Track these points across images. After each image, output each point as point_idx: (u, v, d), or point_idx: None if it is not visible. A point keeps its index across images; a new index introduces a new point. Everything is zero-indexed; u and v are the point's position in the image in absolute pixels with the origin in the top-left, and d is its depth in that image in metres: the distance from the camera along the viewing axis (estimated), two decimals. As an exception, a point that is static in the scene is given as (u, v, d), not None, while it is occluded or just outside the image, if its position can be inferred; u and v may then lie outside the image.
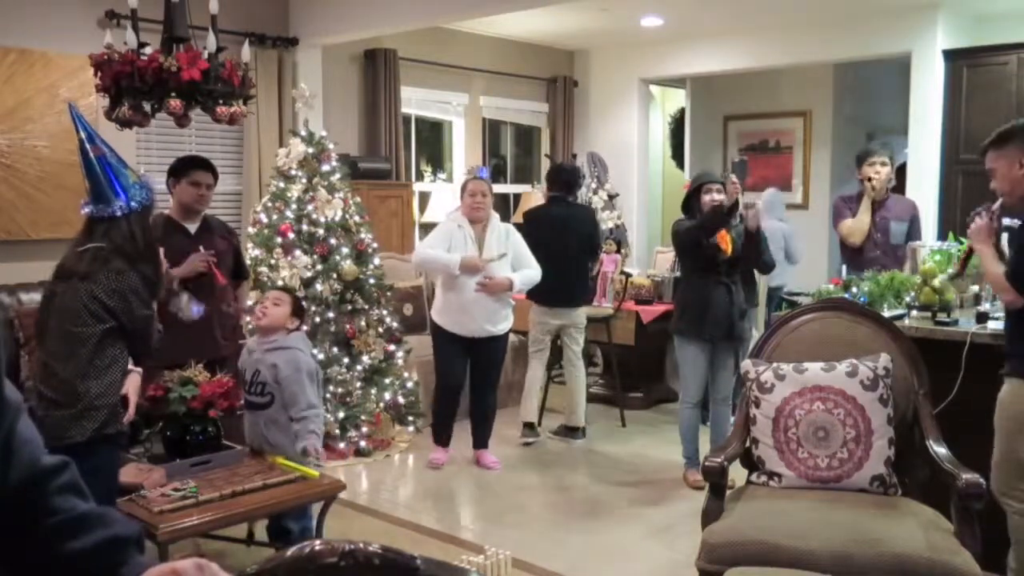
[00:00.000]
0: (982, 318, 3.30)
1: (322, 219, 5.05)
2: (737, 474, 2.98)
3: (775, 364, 2.98)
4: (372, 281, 5.20)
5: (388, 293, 5.29)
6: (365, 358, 5.14)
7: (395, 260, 6.01)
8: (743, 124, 8.72)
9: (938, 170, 6.42)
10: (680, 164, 8.83)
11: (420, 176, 7.52)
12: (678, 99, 9.11)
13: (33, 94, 4.93)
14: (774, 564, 2.54)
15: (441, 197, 7.37)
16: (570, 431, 5.46)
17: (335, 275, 5.05)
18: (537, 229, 5.23)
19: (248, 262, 5.13)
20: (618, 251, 6.11)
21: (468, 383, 4.95)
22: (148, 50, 3.43)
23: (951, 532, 2.53)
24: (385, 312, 5.22)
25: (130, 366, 2.95)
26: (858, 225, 4.69)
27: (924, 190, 6.42)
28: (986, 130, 3.15)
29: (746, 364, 3.07)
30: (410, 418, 5.37)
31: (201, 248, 3.88)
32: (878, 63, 7.51)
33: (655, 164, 8.88)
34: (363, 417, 5.08)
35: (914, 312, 3.59)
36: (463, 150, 7.68)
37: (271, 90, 5.97)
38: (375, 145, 6.68)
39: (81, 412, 2.69)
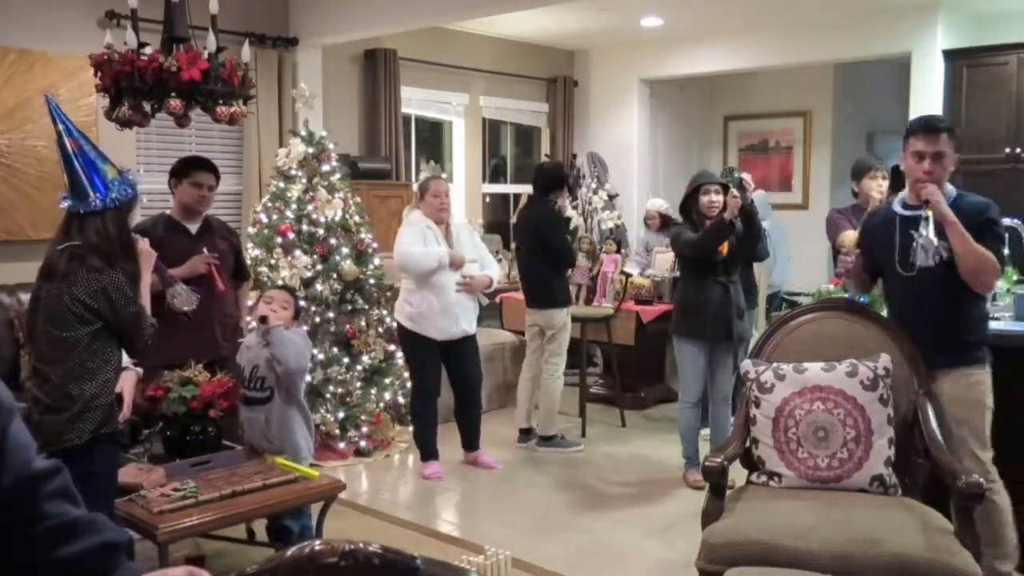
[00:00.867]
0: (982, 318, 3.29)
1: (322, 219, 5.05)
2: (737, 474, 2.97)
3: (775, 364, 2.99)
4: (372, 281, 5.20)
5: (388, 293, 5.29)
6: (365, 358, 5.14)
7: (395, 260, 6.01)
8: (743, 124, 8.73)
9: (938, 170, 6.41)
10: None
11: (420, 176, 7.52)
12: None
13: (33, 94, 4.93)
14: (774, 564, 2.54)
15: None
16: (544, 439, 5.24)
17: (335, 275, 5.05)
18: (513, 230, 5.21)
19: (248, 262, 5.14)
20: (618, 251, 6.10)
21: (450, 388, 4.88)
22: (148, 50, 3.43)
23: (951, 532, 2.53)
24: (385, 312, 5.22)
25: (129, 364, 2.94)
26: (852, 238, 4.68)
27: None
28: (986, 130, 3.15)
29: (746, 364, 3.07)
30: (410, 418, 5.36)
31: (205, 249, 3.88)
32: (878, 63, 7.51)
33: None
34: (363, 417, 5.08)
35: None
36: (463, 150, 7.68)
37: (271, 90, 5.97)
38: (375, 145, 6.68)
39: (77, 415, 2.68)
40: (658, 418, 5.96)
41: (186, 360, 3.38)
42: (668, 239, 5.13)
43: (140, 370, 3.09)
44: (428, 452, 4.82)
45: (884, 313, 3.15)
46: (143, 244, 2.99)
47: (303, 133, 5.15)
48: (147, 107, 3.52)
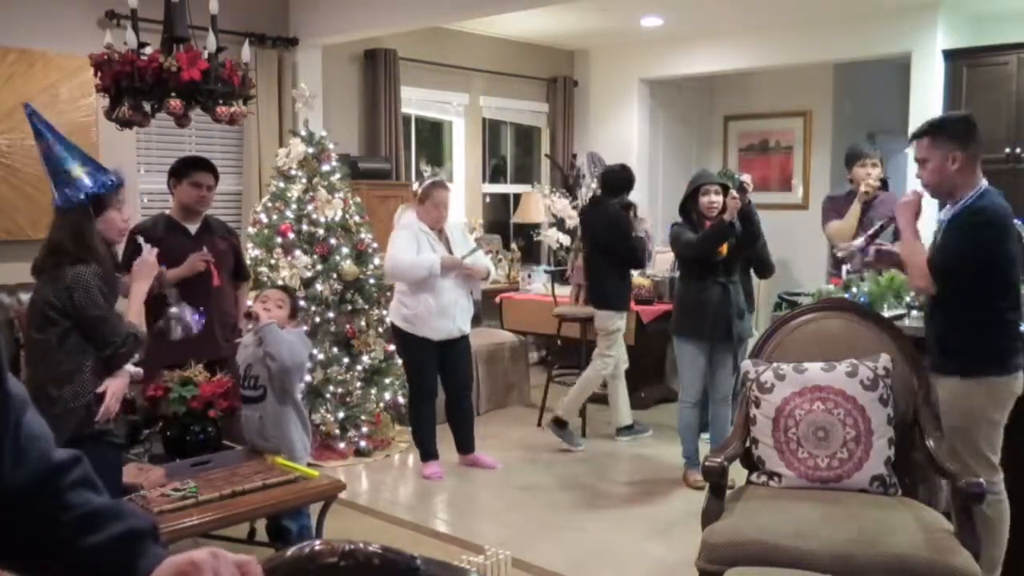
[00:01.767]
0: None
1: (322, 219, 5.05)
2: (737, 474, 2.97)
3: (775, 364, 2.99)
4: (372, 281, 5.20)
5: (388, 293, 5.29)
6: (365, 358, 5.13)
7: (395, 260, 6.01)
8: (743, 124, 8.73)
9: (938, 170, 6.41)
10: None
11: (420, 176, 7.50)
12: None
13: (33, 94, 4.91)
14: (774, 564, 2.54)
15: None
16: (556, 424, 5.24)
17: (335, 275, 5.05)
18: (580, 230, 5.37)
19: (248, 262, 5.14)
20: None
21: (442, 388, 4.86)
22: (148, 50, 3.43)
23: (951, 532, 2.53)
24: (385, 312, 5.22)
25: (128, 366, 2.93)
26: (846, 226, 4.65)
27: (924, 190, 6.42)
28: (986, 130, 3.14)
29: (746, 364, 3.07)
30: (409, 419, 5.36)
31: (205, 248, 3.88)
32: (878, 63, 7.51)
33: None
34: (363, 417, 5.08)
35: (914, 312, 3.59)
36: (463, 150, 7.68)
37: (271, 90, 5.96)
38: (375, 145, 6.68)
39: (59, 415, 2.67)
40: (658, 418, 5.95)
41: (186, 360, 3.37)
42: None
43: (139, 370, 3.08)
44: (428, 452, 4.82)
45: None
46: (147, 254, 2.99)
47: (303, 133, 5.15)
48: (147, 107, 3.52)
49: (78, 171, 2.79)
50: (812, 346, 3.07)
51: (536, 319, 6.46)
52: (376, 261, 5.23)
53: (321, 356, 4.94)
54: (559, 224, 6.77)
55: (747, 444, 2.97)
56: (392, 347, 5.17)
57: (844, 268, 4.32)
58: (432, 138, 7.80)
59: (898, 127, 7.27)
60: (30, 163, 4.97)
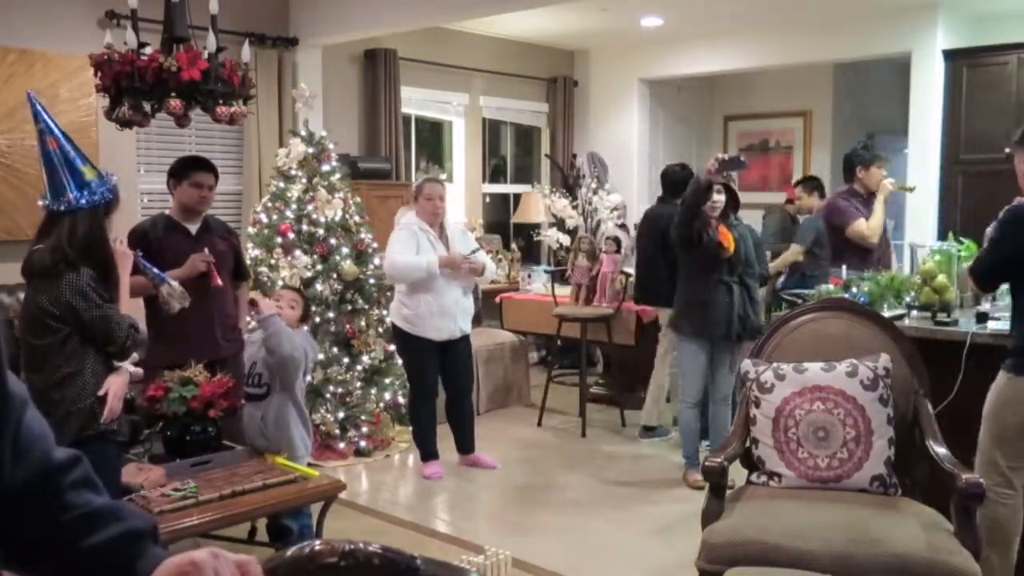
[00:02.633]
0: (982, 318, 3.30)
1: (322, 219, 5.05)
2: (737, 474, 2.97)
3: (775, 364, 2.98)
4: (372, 281, 5.20)
5: (388, 293, 5.29)
6: (365, 358, 5.14)
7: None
8: (743, 124, 8.73)
9: (938, 170, 6.42)
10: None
11: (423, 169, 7.50)
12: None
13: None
14: (774, 564, 2.54)
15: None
16: (646, 430, 5.41)
17: (335, 275, 5.05)
18: (638, 228, 5.45)
19: (248, 262, 5.14)
20: (618, 251, 6.10)
21: (442, 388, 4.86)
22: (148, 50, 3.43)
23: (951, 532, 2.53)
24: (385, 312, 5.22)
25: (127, 364, 2.93)
26: (875, 225, 4.79)
27: (924, 190, 6.42)
28: (986, 130, 3.15)
29: (746, 364, 3.07)
30: (409, 419, 5.36)
31: (206, 249, 3.87)
32: (878, 63, 7.51)
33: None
34: (363, 417, 5.08)
35: (914, 312, 3.59)
36: (463, 150, 7.68)
37: (271, 90, 5.96)
38: (375, 145, 6.68)
39: (62, 419, 2.67)
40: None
41: (187, 360, 3.37)
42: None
43: (139, 370, 3.08)
44: (428, 452, 4.82)
45: None
46: (119, 245, 2.98)
47: (303, 133, 5.15)
48: (147, 107, 3.52)
49: (88, 173, 2.77)
50: (812, 346, 3.06)
51: (536, 319, 6.46)
52: (376, 261, 5.23)
53: (321, 356, 4.94)
54: (559, 224, 6.77)
55: (747, 444, 2.97)
56: (392, 347, 5.17)
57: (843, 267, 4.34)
58: (432, 138, 7.80)
59: (898, 127, 7.27)
60: (30, 163, 4.97)
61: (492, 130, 8.05)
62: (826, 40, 6.94)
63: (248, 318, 4.06)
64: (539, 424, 5.73)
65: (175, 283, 3.40)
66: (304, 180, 5.09)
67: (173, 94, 3.41)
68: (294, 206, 5.06)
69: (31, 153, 4.97)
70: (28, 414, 1.06)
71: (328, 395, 5.01)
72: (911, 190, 5.61)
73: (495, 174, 8.21)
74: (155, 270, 3.35)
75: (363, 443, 5.07)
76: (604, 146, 8.15)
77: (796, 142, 8.37)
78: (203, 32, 3.62)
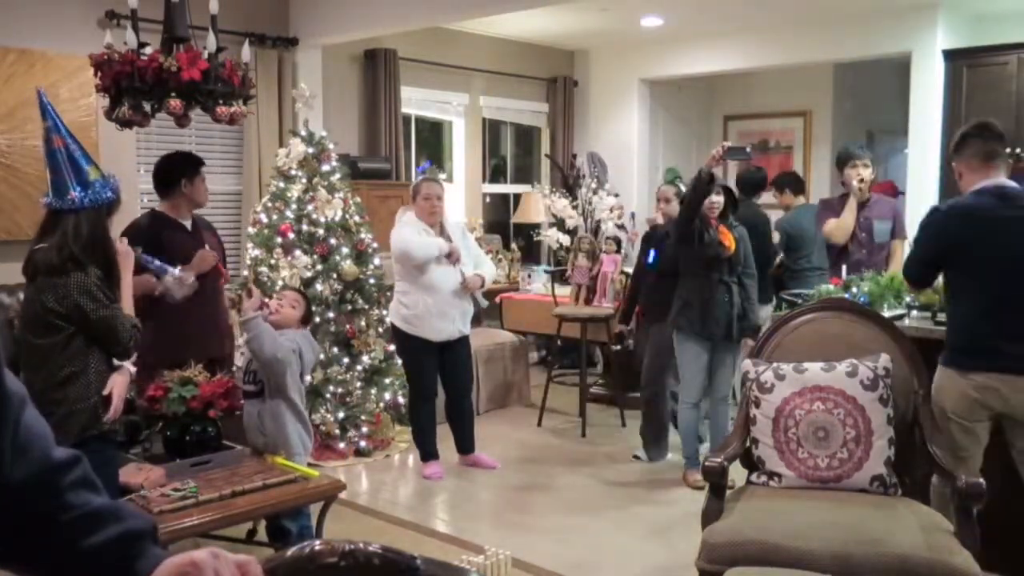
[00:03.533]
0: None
1: (322, 219, 5.05)
2: (737, 474, 2.97)
3: (775, 364, 2.98)
4: (372, 281, 5.20)
5: (388, 293, 5.29)
6: (365, 358, 5.13)
7: (395, 260, 6.01)
8: (743, 124, 8.73)
9: (938, 170, 6.41)
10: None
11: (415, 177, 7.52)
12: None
13: (33, 94, 4.92)
14: (774, 564, 2.54)
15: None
16: None
17: (335, 275, 5.05)
18: None
19: (248, 262, 5.15)
20: (618, 251, 6.10)
21: (442, 388, 4.86)
22: (148, 50, 3.43)
23: (951, 532, 2.53)
24: (385, 312, 5.22)
25: (128, 364, 2.93)
26: (842, 224, 4.69)
27: (924, 190, 6.42)
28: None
29: (746, 364, 3.07)
30: (409, 419, 5.36)
31: (207, 245, 3.87)
32: (878, 63, 7.51)
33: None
34: (363, 417, 5.08)
35: (914, 312, 3.59)
36: (463, 150, 7.68)
37: (271, 90, 5.96)
38: (375, 145, 6.68)
39: (63, 418, 2.67)
40: (658, 418, 5.94)
41: (192, 358, 3.37)
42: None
43: (133, 369, 3.07)
44: (428, 452, 4.82)
45: None
46: (121, 244, 2.98)
47: (303, 133, 5.15)
48: (147, 107, 3.52)
49: (94, 173, 2.77)
50: (812, 346, 3.06)
51: (536, 319, 6.46)
52: (376, 261, 5.23)
53: (321, 356, 4.94)
54: (559, 224, 6.77)
55: (747, 444, 2.97)
56: (392, 347, 5.17)
57: (843, 267, 4.33)
58: (432, 138, 7.80)
59: (898, 127, 7.27)
60: (30, 163, 4.97)
61: (492, 130, 8.05)
62: (826, 40, 6.94)
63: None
64: (539, 424, 5.73)
65: (178, 270, 3.40)
66: (304, 180, 5.09)
67: (173, 94, 3.41)
68: (294, 206, 5.06)
69: (31, 153, 4.98)
70: (27, 413, 1.06)
71: (328, 395, 5.00)
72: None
73: (495, 174, 8.21)
74: (157, 262, 3.35)
75: (363, 443, 5.07)
76: (604, 146, 8.14)
77: (796, 142, 8.37)
78: (203, 32, 3.62)
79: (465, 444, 4.94)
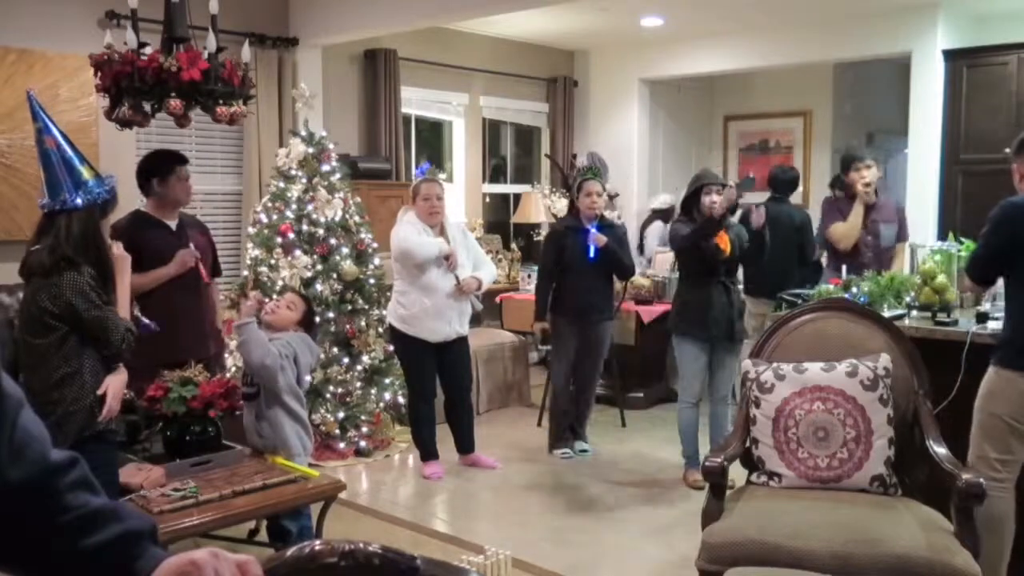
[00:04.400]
0: (982, 318, 3.30)
1: (322, 219, 5.05)
2: (737, 474, 2.97)
3: (775, 364, 2.98)
4: (372, 281, 5.20)
5: (388, 293, 5.29)
6: (365, 358, 5.14)
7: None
8: (743, 124, 8.73)
9: (938, 170, 6.42)
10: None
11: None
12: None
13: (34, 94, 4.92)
14: (774, 564, 2.54)
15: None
16: None
17: (335, 275, 5.05)
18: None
19: (248, 262, 5.14)
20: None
21: (441, 389, 4.86)
22: (148, 50, 3.43)
23: (951, 532, 2.53)
24: (385, 312, 5.22)
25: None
26: (851, 230, 4.66)
27: (924, 190, 6.43)
28: (986, 130, 3.15)
29: (746, 364, 3.07)
30: (408, 419, 5.35)
31: (191, 245, 3.82)
32: (878, 63, 7.51)
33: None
34: (363, 417, 5.08)
35: (914, 312, 3.59)
36: (463, 150, 7.68)
37: (271, 90, 5.96)
38: (375, 145, 6.68)
39: (61, 419, 2.67)
40: (658, 418, 5.95)
41: (179, 359, 3.36)
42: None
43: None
44: (428, 452, 4.82)
45: None
46: (118, 249, 2.97)
47: (303, 133, 5.15)
48: (147, 107, 3.51)
49: (85, 173, 2.76)
50: (812, 346, 3.06)
51: (536, 319, 6.45)
52: (376, 261, 5.23)
53: (321, 356, 4.94)
54: (559, 224, 6.76)
55: (747, 444, 2.97)
56: (392, 347, 5.16)
57: (843, 267, 4.32)
58: (432, 138, 7.80)
59: (898, 127, 7.28)
60: (30, 163, 4.95)
61: (492, 130, 8.05)
62: (826, 40, 6.94)
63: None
64: (539, 424, 5.72)
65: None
66: (304, 180, 5.09)
67: (173, 94, 3.40)
68: (294, 206, 5.06)
69: (31, 153, 4.94)
70: (24, 415, 1.06)
71: (328, 395, 5.00)
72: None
73: (495, 174, 8.21)
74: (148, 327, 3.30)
75: (363, 443, 5.07)
76: (604, 146, 8.14)
77: (796, 142, 8.37)
78: (203, 32, 3.62)
79: (465, 444, 4.94)
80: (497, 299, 6.85)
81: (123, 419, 3.06)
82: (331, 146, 5.22)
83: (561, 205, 6.87)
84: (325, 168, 5.13)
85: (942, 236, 5.26)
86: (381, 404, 5.20)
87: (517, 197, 8.09)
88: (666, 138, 8.52)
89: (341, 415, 5.02)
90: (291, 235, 5.01)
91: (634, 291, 6.15)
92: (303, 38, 6.12)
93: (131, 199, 4.13)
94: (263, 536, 3.57)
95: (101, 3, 5.19)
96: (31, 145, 4.92)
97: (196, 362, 3.39)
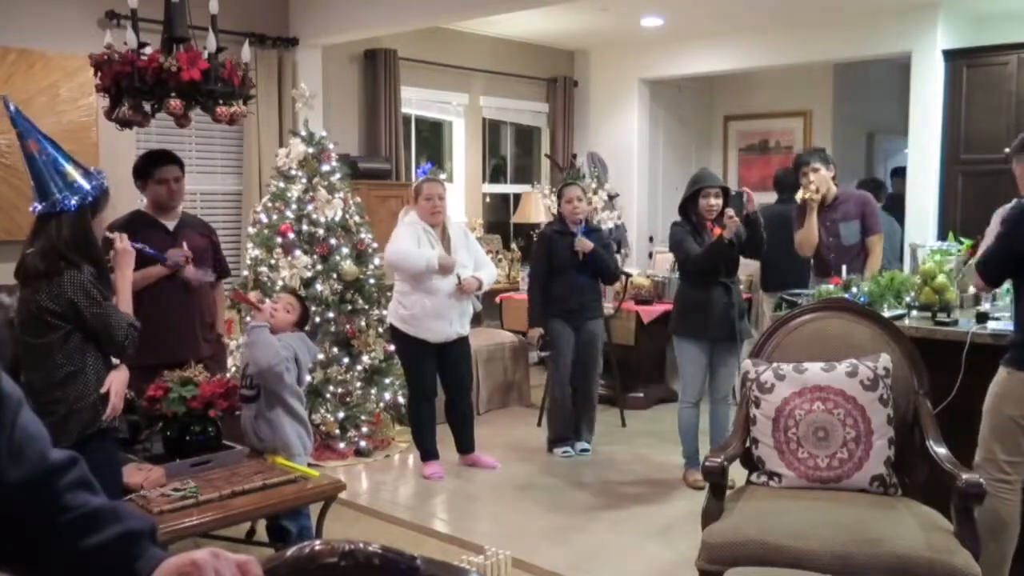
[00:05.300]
0: (982, 318, 3.29)
1: (322, 219, 5.05)
2: (737, 474, 2.97)
3: (775, 364, 2.98)
4: (372, 281, 5.20)
5: (388, 293, 5.29)
6: (365, 358, 5.14)
7: (395, 260, 6.00)
8: (743, 124, 8.73)
9: (938, 170, 6.42)
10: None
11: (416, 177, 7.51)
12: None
13: (33, 94, 4.93)
14: (774, 564, 2.54)
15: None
16: None
17: (335, 275, 5.05)
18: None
19: (248, 262, 5.14)
20: (618, 251, 6.11)
21: (442, 389, 4.86)
22: (148, 50, 3.43)
23: (951, 532, 2.53)
24: (385, 312, 5.22)
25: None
26: (806, 236, 4.57)
27: (924, 190, 6.43)
28: (986, 130, 3.14)
29: (746, 364, 3.07)
30: (408, 419, 5.35)
31: (184, 244, 3.79)
32: (878, 63, 7.51)
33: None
34: (363, 417, 5.08)
35: (914, 312, 3.59)
36: (463, 150, 7.68)
37: (271, 90, 5.96)
38: (375, 145, 6.68)
39: (64, 418, 2.67)
40: (658, 418, 5.95)
41: (166, 360, 3.35)
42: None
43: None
44: (428, 452, 4.82)
45: None
46: (120, 242, 2.97)
47: (303, 133, 5.15)
48: (147, 107, 3.52)
49: (73, 173, 2.74)
50: (812, 346, 3.06)
51: (536, 319, 6.45)
52: (376, 261, 5.23)
53: (321, 356, 4.94)
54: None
55: (747, 444, 2.97)
56: (392, 347, 5.16)
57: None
58: (432, 138, 7.80)
59: (898, 127, 7.28)
60: (30, 163, 4.97)
61: (492, 130, 8.05)
62: (826, 40, 6.94)
63: (248, 319, 4.03)
64: (539, 424, 5.72)
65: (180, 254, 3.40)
66: (304, 180, 5.09)
67: (173, 94, 3.40)
68: (294, 206, 5.06)
69: (31, 153, 4.98)
70: (23, 415, 1.06)
71: (328, 395, 5.00)
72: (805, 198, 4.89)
73: (495, 174, 8.21)
74: (165, 256, 3.35)
75: (363, 443, 5.07)
76: (604, 146, 8.15)
77: (796, 142, 8.37)
78: (203, 32, 3.62)
79: (465, 444, 4.94)
80: (497, 299, 6.85)
81: (124, 418, 3.06)
82: (331, 146, 5.22)
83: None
84: (325, 168, 5.13)
85: (942, 236, 5.26)
86: (381, 404, 5.20)
87: (517, 197, 8.09)
88: (666, 138, 8.52)
89: (341, 415, 5.02)
90: (291, 235, 5.01)
91: (634, 291, 6.15)
92: (303, 38, 6.12)
93: (131, 199, 4.13)
94: (263, 536, 3.57)
95: (101, 3, 5.19)
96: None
97: (195, 362, 3.39)
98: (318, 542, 0.98)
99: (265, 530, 3.52)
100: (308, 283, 4.97)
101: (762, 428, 2.90)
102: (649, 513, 4.23)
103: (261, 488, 3.00)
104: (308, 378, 4.59)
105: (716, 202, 4.38)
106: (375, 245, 5.25)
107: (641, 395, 6.24)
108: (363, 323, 5.14)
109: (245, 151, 5.97)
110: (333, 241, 5.06)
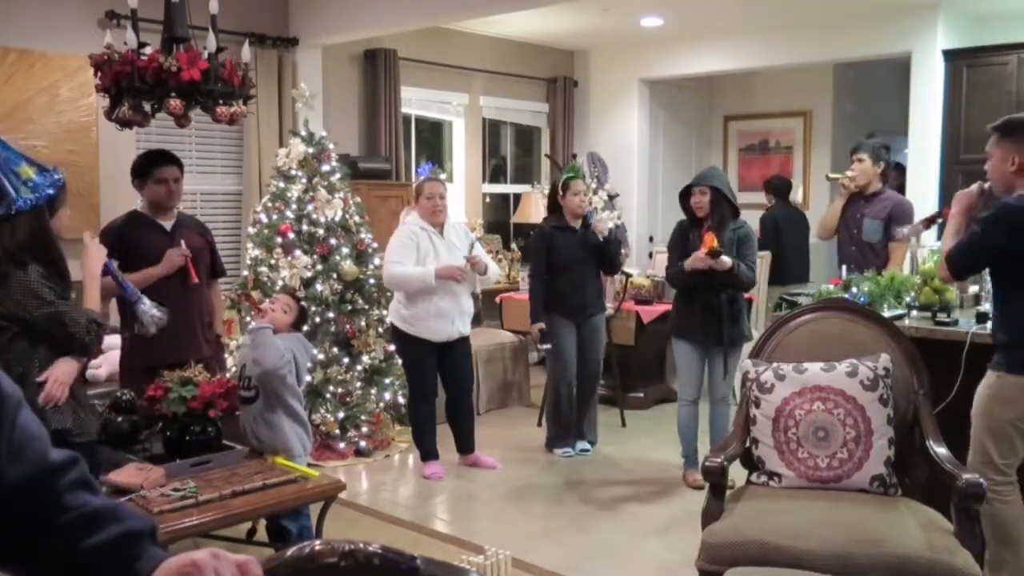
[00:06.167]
0: (982, 318, 3.30)
1: (322, 219, 5.05)
2: (737, 474, 2.97)
3: (775, 364, 2.98)
4: (372, 281, 5.20)
5: (388, 293, 5.29)
6: (365, 358, 5.14)
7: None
8: (743, 124, 8.73)
9: (938, 170, 6.42)
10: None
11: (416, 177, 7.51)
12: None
13: (33, 94, 4.93)
14: (774, 564, 2.54)
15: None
16: None
17: (335, 275, 5.05)
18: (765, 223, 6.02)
19: (248, 262, 5.14)
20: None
21: (442, 388, 4.86)
22: (148, 50, 3.42)
23: (951, 532, 2.53)
24: (385, 312, 5.22)
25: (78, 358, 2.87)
26: (827, 218, 4.60)
27: (924, 190, 6.42)
28: (986, 130, 3.13)
29: (746, 364, 3.07)
30: (409, 419, 5.35)
31: (183, 243, 3.78)
32: (878, 63, 7.51)
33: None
34: (363, 417, 5.08)
35: (914, 312, 3.59)
36: (463, 150, 7.68)
37: (271, 90, 5.97)
38: (375, 145, 6.68)
39: None
40: (658, 418, 5.95)
41: (167, 361, 3.35)
42: None
43: (99, 373, 3.01)
44: (428, 452, 4.82)
45: None
46: (89, 240, 2.95)
47: (303, 133, 5.15)
48: (147, 107, 3.51)
49: (28, 171, 2.68)
50: (812, 346, 3.06)
51: (536, 319, 6.44)
52: (376, 261, 5.23)
53: (321, 356, 4.94)
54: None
55: (747, 444, 2.97)
56: (392, 347, 5.16)
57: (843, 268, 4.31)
58: (432, 138, 7.80)
59: (898, 127, 7.27)
60: (30, 163, 4.97)
61: (492, 130, 8.05)
62: (826, 40, 6.94)
63: (249, 319, 4.03)
64: (539, 424, 5.72)
65: (147, 303, 3.22)
66: (304, 180, 5.09)
67: (173, 94, 3.40)
68: (294, 206, 5.06)
69: (31, 153, 4.94)
70: (23, 415, 1.06)
71: (328, 395, 5.00)
72: (834, 178, 5.12)
73: (495, 174, 8.21)
74: (131, 287, 3.23)
75: (363, 443, 5.07)
76: (604, 146, 8.15)
77: (796, 142, 8.37)
78: (203, 32, 3.62)
79: (465, 444, 4.94)
80: (497, 299, 6.85)
81: (93, 418, 3.01)
82: (331, 146, 5.22)
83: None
84: (325, 168, 5.13)
85: (942, 236, 5.24)
86: (381, 404, 5.20)
87: (517, 197, 8.09)
88: (666, 138, 8.52)
89: (341, 415, 5.02)
90: (291, 235, 5.01)
91: (634, 291, 6.15)
92: (303, 38, 6.12)
93: (131, 199, 4.13)
94: (263, 536, 3.56)
95: (101, 3, 5.19)
96: (31, 145, 4.95)
97: (195, 362, 3.39)
98: (318, 542, 0.98)
99: (265, 530, 3.52)
100: (308, 283, 4.97)
101: (762, 428, 2.90)
102: (649, 513, 4.23)
103: (261, 488, 3.00)
104: (308, 378, 4.60)
105: (702, 198, 4.42)
106: (375, 245, 5.25)
107: (641, 395, 6.23)
108: (363, 323, 5.14)
109: (245, 151, 5.97)
110: (333, 241, 5.06)
